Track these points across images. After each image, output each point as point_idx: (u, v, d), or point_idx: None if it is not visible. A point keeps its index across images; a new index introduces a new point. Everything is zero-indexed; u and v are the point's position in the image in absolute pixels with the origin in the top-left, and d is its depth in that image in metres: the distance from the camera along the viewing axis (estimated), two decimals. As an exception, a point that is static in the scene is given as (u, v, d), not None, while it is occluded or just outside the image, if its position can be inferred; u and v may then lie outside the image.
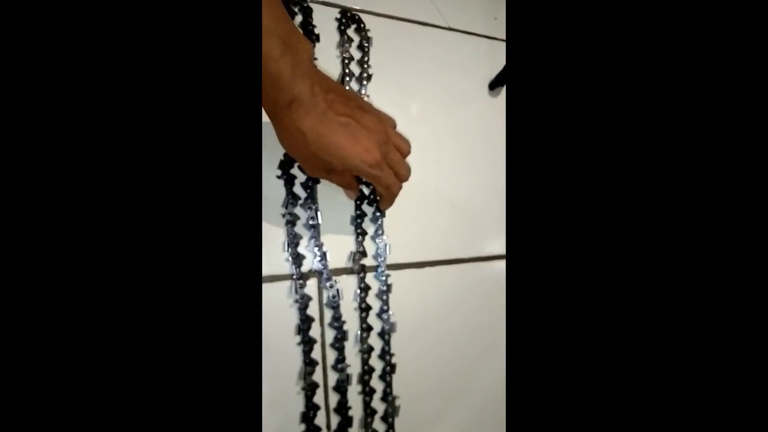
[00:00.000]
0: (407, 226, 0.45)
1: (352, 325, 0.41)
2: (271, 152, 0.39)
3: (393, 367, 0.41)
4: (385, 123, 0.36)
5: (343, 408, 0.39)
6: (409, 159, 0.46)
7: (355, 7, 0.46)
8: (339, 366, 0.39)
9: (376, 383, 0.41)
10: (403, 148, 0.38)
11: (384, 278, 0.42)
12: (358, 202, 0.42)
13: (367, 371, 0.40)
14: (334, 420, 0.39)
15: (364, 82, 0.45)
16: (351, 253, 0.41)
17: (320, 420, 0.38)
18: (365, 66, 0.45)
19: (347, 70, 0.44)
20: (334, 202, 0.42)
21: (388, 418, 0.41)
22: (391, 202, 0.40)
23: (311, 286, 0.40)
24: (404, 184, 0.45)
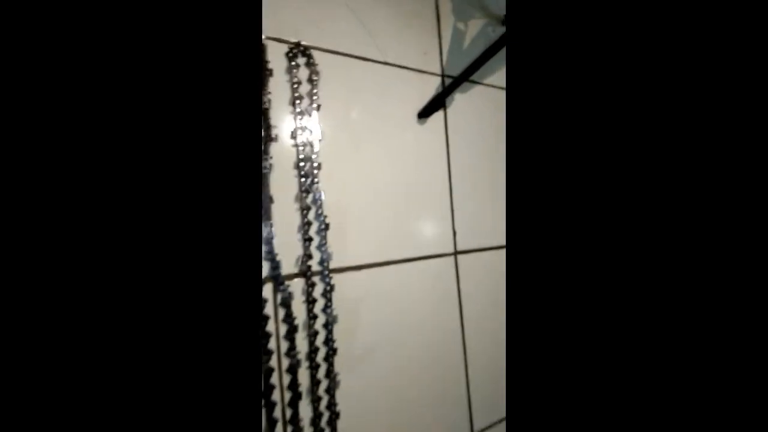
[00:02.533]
0: (347, 236, 0.54)
1: (302, 321, 0.50)
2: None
3: (335, 350, 0.52)
4: None
5: (294, 385, 0.49)
6: (351, 179, 0.55)
7: (303, 42, 0.52)
8: (291, 353, 0.48)
9: (321, 363, 0.51)
10: None
11: (328, 280, 0.51)
12: (305, 211, 0.50)
13: (313, 350, 0.50)
14: (287, 395, 0.48)
15: (314, 113, 0.51)
16: (299, 256, 0.50)
17: (276, 396, 0.47)
18: (314, 98, 0.52)
19: (296, 93, 0.50)
20: (286, 218, 0.49)
21: (330, 390, 0.51)
22: None
23: (267, 290, 0.47)
24: (346, 200, 0.54)
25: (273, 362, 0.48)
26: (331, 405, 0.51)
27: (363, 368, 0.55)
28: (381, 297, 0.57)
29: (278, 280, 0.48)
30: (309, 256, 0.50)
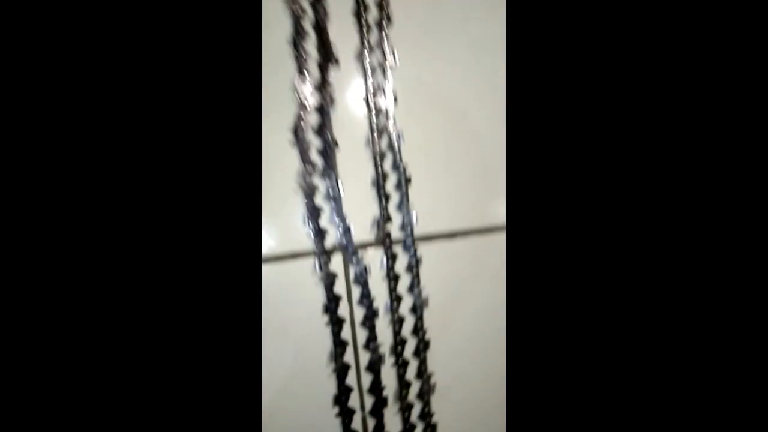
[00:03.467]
0: (435, 193, 0.40)
1: (381, 302, 0.38)
2: (282, 114, 0.35)
3: (427, 344, 0.39)
4: None
5: (376, 388, 0.37)
6: (433, 114, 0.41)
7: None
8: (371, 345, 0.37)
9: (410, 359, 0.39)
10: None
11: (413, 251, 0.39)
12: (379, 160, 0.37)
13: (399, 343, 0.38)
14: (368, 400, 0.37)
15: (384, 23, 0.38)
16: (375, 220, 0.38)
17: (354, 401, 0.37)
18: (384, 4, 0.39)
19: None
20: (354, 169, 0.37)
21: (424, 396, 0.39)
22: None
23: (336, 263, 0.36)
24: (429, 144, 0.41)
25: (349, 356, 0.36)
26: (426, 415, 0.39)
27: (462, 366, 0.41)
28: (482, 274, 0.42)
29: (350, 249, 0.36)
30: (388, 218, 0.38)
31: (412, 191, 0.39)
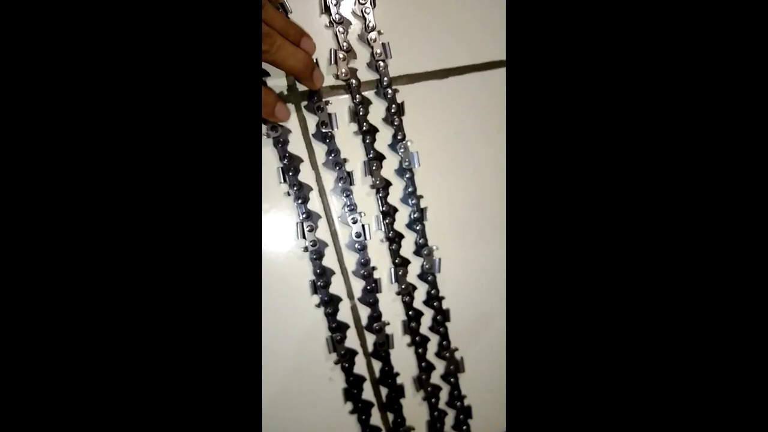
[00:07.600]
0: (415, 21, 0.30)
1: (358, 168, 0.29)
2: None
3: (423, 212, 0.30)
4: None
5: (365, 266, 0.30)
6: None
7: None
8: (350, 216, 0.29)
9: (407, 234, 0.31)
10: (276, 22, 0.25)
11: (390, 94, 0.29)
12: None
13: (386, 213, 0.30)
14: (357, 286, 0.30)
15: None
16: (332, 50, 0.28)
17: (337, 283, 0.29)
18: None
19: None
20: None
21: (427, 275, 0.31)
22: (309, 76, 0.26)
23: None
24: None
25: (322, 233, 0.29)
26: (434, 298, 0.31)
27: (459, 232, 0.33)
28: (483, 120, 0.33)
29: (312, 95, 0.28)
30: (347, 51, 0.29)
31: (380, 16, 0.29)
